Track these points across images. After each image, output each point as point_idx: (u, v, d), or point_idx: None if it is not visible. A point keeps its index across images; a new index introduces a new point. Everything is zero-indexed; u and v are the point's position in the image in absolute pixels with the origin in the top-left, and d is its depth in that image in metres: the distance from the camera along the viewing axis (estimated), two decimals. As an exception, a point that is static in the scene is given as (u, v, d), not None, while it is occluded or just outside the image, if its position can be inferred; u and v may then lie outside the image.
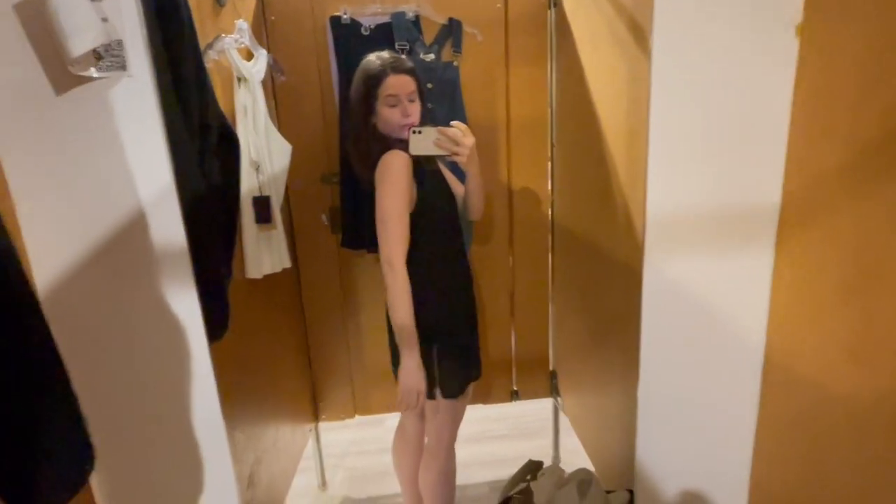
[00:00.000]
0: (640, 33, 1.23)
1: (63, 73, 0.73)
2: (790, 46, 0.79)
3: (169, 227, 0.80)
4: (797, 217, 0.83)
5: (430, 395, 1.65)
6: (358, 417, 2.44)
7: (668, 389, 1.06)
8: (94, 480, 0.86)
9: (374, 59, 1.53)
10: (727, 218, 0.87)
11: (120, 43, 0.73)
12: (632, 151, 1.37)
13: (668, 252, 0.93)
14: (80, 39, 0.66)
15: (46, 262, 0.75)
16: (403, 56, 1.59)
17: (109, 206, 0.79)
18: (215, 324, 1.04)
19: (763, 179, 0.85)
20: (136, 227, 0.79)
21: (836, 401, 0.78)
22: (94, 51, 0.72)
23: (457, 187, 1.70)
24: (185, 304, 0.84)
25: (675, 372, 1.06)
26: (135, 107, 0.76)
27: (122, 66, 0.74)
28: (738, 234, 0.88)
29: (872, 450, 0.76)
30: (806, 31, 0.78)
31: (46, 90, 0.73)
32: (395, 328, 1.49)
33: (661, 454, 1.12)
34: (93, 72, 0.72)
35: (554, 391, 2.46)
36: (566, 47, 1.92)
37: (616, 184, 1.55)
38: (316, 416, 2.39)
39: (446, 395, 1.63)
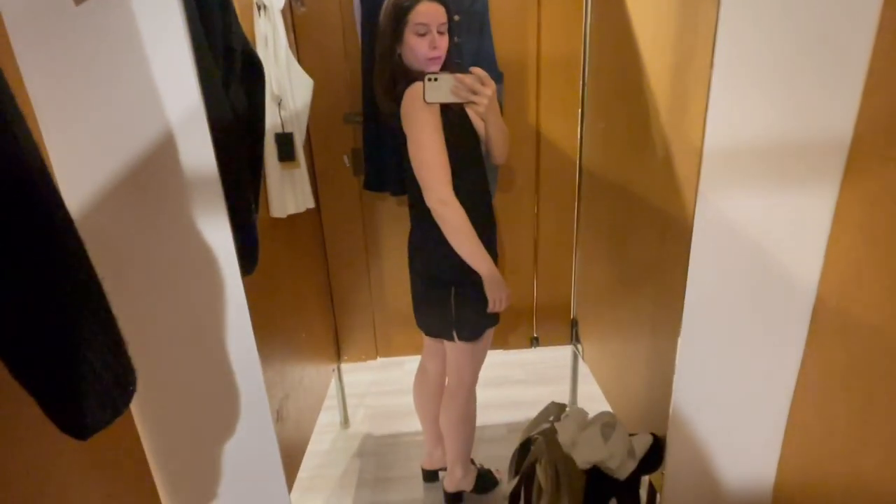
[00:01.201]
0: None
1: (82, -20, 0.68)
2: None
3: (198, 150, 0.77)
4: (871, 150, 0.76)
5: (448, 337, 1.65)
6: (380, 359, 2.48)
7: (710, 335, 1.03)
8: (134, 406, 0.87)
9: None
10: (791, 152, 0.80)
11: (141, -55, 0.67)
12: (677, 86, 1.28)
13: (723, 190, 0.87)
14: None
15: (76, 188, 0.72)
16: None
17: (137, 127, 0.75)
18: (246, 257, 1.02)
19: (836, 108, 0.78)
20: (165, 151, 0.76)
21: (887, 352, 0.75)
22: (115, -47, 0.66)
23: (480, 125, 1.61)
24: (218, 233, 0.82)
25: (720, 317, 1.02)
26: (159, 20, 0.71)
27: (145, -28, 0.68)
28: (800, 170, 0.82)
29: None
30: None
31: (67, 1, 0.68)
32: (468, 259, 1.47)
33: (697, 400, 1.10)
34: (114, -23, 0.66)
35: (574, 339, 2.46)
36: (606, -25, 1.78)
37: (656, 123, 1.46)
38: (339, 357, 2.43)
39: (462, 338, 1.64)
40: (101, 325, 0.60)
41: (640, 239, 1.68)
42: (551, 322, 2.48)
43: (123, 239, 0.78)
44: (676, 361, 1.02)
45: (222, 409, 0.94)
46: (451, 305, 1.59)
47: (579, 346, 2.43)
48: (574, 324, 2.46)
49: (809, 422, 0.98)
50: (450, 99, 1.38)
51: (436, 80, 1.36)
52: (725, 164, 0.83)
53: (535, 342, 2.50)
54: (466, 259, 1.47)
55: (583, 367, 2.40)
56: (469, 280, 1.52)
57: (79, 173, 0.73)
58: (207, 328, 0.87)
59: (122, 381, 0.62)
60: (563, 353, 2.53)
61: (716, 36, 0.74)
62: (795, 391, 0.96)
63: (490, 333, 1.72)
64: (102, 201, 0.75)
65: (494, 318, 1.68)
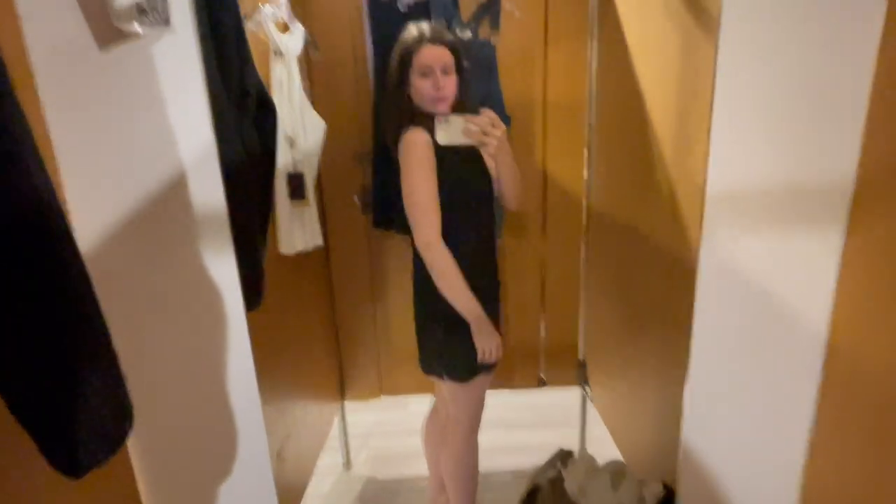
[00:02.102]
0: (697, 4, 1.16)
1: (107, 27, 0.72)
2: (876, 5, 0.72)
3: (209, 189, 0.79)
4: (875, 194, 0.76)
5: (440, 375, 1.63)
6: (384, 398, 2.44)
7: (718, 379, 1.00)
8: (131, 443, 0.86)
9: (414, 28, 1.49)
10: (794, 195, 0.81)
11: (164, -2, 0.71)
12: (683, 129, 1.30)
13: (727, 232, 0.87)
14: (125, -10, 0.65)
15: (87, 221, 0.74)
16: (441, 26, 1.54)
17: (150, 164, 0.77)
18: (251, 292, 1.03)
19: (837, 152, 0.78)
20: (176, 187, 0.78)
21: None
22: (139, 5, 0.70)
23: (492, 166, 1.63)
24: (224, 268, 0.83)
25: (728, 361, 1.00)
26: (177, 64, 0.75)
27: (166, 22, 0.72)
28: (804, 213, 0.82)
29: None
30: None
31: (90, 45, 0.71)
32: (454, 304, 1.47)
33: (707, 449, 1.07)
34: (136, 26, 0.70)
35: (582, 380, 2.41)
36: (609, 23, 1.84)
37: (661, 166, 1.48)
38: (342, 395, 2.40)
39: (452, 378, 1.60)
40: (102, 360, 0.60)
41: (647, 280, 1.67)
42: (559, 363, 2.43)
43: (132, 273, 0.79)
44: (684, 409, 1.00)
45: (220, 447, 0.92)
46: (442, 343, 1.58)
47: (587, 389, 2.38)
48: (582, 365, 2.41)
49: (825, 470, 0.94)
50: (461, 140, 1.40)
51: (447, 121, 1.39)
52: (729, 207, 0.83)
53: (542, 383, 2.45)
54: (453, 304, 1.47)
55: (591, 410, 2.34)
56: (461, 319, 1.50)
57: (93, 208, 0.75)
58: (209, 364, 0.87)
59: (119, 418, 0.61)
60: (572, 394, 2.48)
61: (715, 79, 0.76)
62: (810, 439, 0.93)
63: (485, 379, 1.65)
64: (114, 236, 0.77)
65: (488, 365, 1.63)
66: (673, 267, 1.42)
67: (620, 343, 1.96)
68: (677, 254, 1.36)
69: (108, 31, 0.72)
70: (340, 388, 2.39)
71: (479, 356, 1.52)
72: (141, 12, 0.71)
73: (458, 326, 1.52)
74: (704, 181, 0.83)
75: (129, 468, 0.75)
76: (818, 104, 0.77)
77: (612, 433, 2.09)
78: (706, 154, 0.81)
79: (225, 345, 0.86)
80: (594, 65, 2.01)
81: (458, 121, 1.40)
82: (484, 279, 1.56)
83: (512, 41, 2.01)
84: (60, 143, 0.71)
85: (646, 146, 1.56)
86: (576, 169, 2.18)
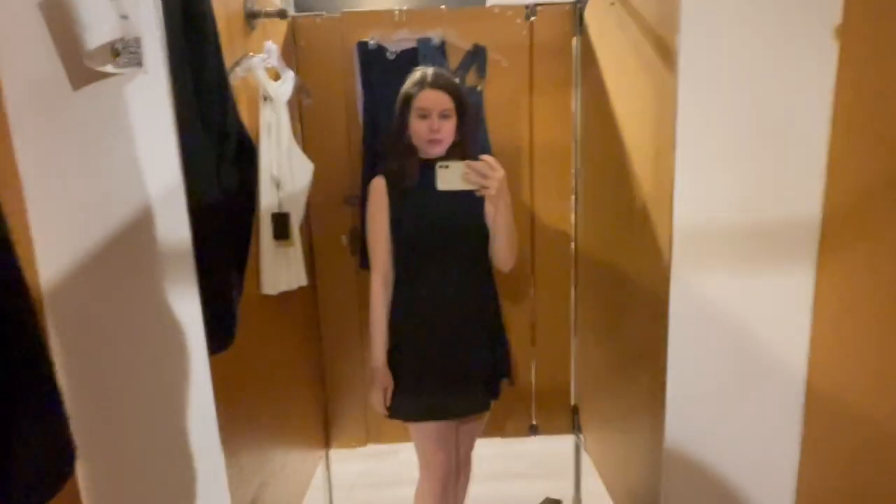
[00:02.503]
0: (667, 52, 1.20)
1: (81, 69, 0.74)
2: (829, 49, 0.74)
3: (175, 227, 0.79)
4: (841, 233, 0.76)
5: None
6: (370, 446, 2.36)
7: (698, 426, 0.97)
8: (85, 488, 0.82)
9: (418, 72, 1.56)
10: (762, 235, 0.80)
11: (138, 40, 0.74)
12: (658, 174, 1.32)
13: (697, 272, 0.87)
14: (97, 32, 0.67)
15: (52, 256, 0.74)
16: (446, 72, 1.61)
17: (117, 202, 0.78)
18: (219, 334, 1.01)
19: (802, 193, 0.79)
20: (142, 225, 0.78)
21: (887, 436, 0.69)
22: (113, 47, 0.72)
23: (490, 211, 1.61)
24: (187, 308, 0.82)
25: (707, 407, 0.97)
26: (148, 104, 0.77)
27: (139, 63, 0.74)
28: (774, 253, 0.81)
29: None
30: (846, 33, 0.73)
31: (64, 85, 0.73)
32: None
33: (690, 499, 1.02)
34: (109, 67, 0.72)
35: (576, 428, 2.33)
36: (591, 73, 1.91)
37: (642, 208, 1.49)
38: (327, 443, 2.32)
39: (392, 415, 1.63)
40: (42, 399, 0.58)
41: (634, 322, 1.64)
42: (551, 409, 2.36)
43: (92, 308, 0.78)
44: (663, 456, 0.95)
45: (177, 492, 0.88)
46: (392, 376, 1.64)
47: (581, 436, 2.30)
48: (575, 411, 2.35)
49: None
50: (461, 186, 1.42)
51: (447, 167, 1.42)
52: (697, 244, 0.83)
53: (534, 430, 2.37)
54: None
55: (586, 458, 2.25)
56: (409, 355, 1.60)
57: (56, 241, 0.75)
58: (167, 404, 0.84)
59: (58, 460, 0.59)
60: (565, 442, 2.39)
61: (676, 122, 0.78)
62: (798, 484, 0.89)
63: (437, 429, 1.63)
64: (78, 269, 0.76)
65: (446, 410, 1.62)
66: (657, 308, 1.40)
67: (612, 388, 1.91)
68: (659, 296, 1.35)
69: (81, 71, 0.74)
70: (325, 435, 2.32)
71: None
72: (115, 54, 0.73)
73: (405, 364, 1.61)
74: (671, 221, 0.83)
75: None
76: (779, 143, 0.78)
77: (605, 482, 2.00)
78: (671, 194, 0.82)
79: (185, 385, 0.83)
80: (578, 112, 2.07)
81: (458, 166, 1.42)
82: (445, 332, 1.61)
83: (499, 89, 2.07)
84: (28, 177, 0.72)
85: (627, 189, 1.57)
86: (563, 213, 2.20)
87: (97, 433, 0.74)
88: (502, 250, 1.60)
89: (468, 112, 1.59)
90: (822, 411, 0.83)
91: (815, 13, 0.76)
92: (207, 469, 0.92)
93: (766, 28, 0.76)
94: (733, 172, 0.82)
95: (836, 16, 0.75)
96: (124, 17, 0.72)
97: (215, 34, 1.07)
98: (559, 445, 2.46)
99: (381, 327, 1.60)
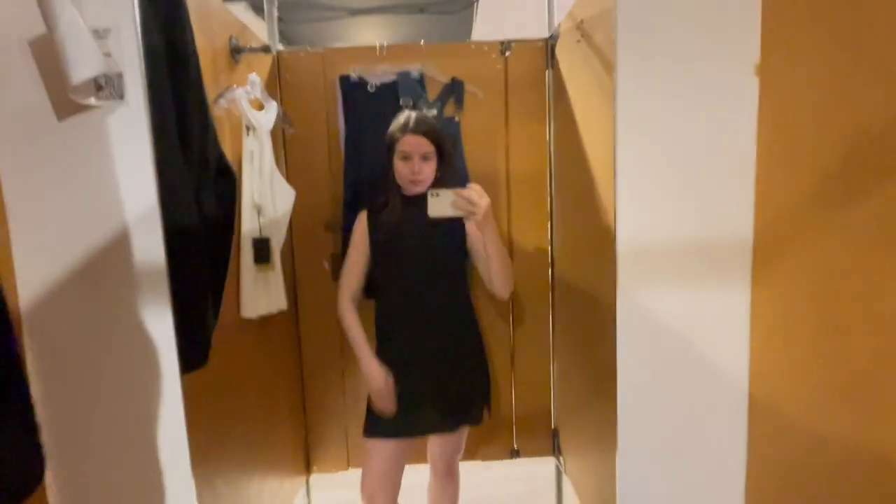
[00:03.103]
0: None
1: (66, 101, 0.80)
2: (750, 85, 0.82)
3: (150, 250, 0.84)
4: (770, 251, 0.82)
5: None
6: (352, 470, 2.35)
7: (648, 440, 1.01)
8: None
9: (402, 117, 1.68)
10: (700, 254, 0.86)
11: (120, 75, 0.80)
12: (609, 196, 1.39)
13: (641, 291, 0.92)
14: (81, 68, 0.73)
15: (31, 275, 0.78)
16: (428, 117, 1.70)
17: (96, 225, 0.82)
18: (192, 354, 1.04)
19: (734, 214, 0.85)
20: (119, 247, 0.83)
21: (826, 441, 0.74)
22: (96, 81, 0.78)
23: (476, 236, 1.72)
24: (160, 327, 0.85)
25: (656, 418, 1.01)
26: (128, 134, 0.82)
27: (120, 96, 0.80)
28: (712, 271, 0.87)
29: (868, 491, 0.70)
30: (764, 71, 0.81)
31: (49, 115, 0.79)
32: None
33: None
34: (92, 100, 0.78)
35: (556, 450, 2.35)
36: (562, 104, 2.00)
37: (605, 231, 1.56)
38: (308, 468, 2.31)
39: (366, 433, 1.74)
40: (18, 413, 0.62)
41: (607, 344, 1.69)
42: (532, 432, 2.38)
43: (68, 326, 0.82)
44: (617, 477, 0.99)
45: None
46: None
47: (561, 459, 2.31)
48: (555, 434, 2.36)
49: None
50: (450, 212, 1.53)
51: (438, 195, 1.52)
52: (639, 264, 0.88)
53: (515, 454, 2.38)
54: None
55: (567, 482, 2.26)
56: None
57: (35, 262, 0.79)
58: (139, 426, 0.87)
59: (26, 470, 0.61)
60: (546, 465, 2.40)
61: (615, 150, 0.85)
62: (746, 494, 0.92)
63: (379, 446, 1.71)
64: (55, 289, 0.80)
65: (411, 428, 1.71)
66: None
67: (589, 410, 1.94)
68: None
69: (66, 103, 0.80)
70: (306, 461, 2.31)
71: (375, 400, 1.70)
72: (98, 88, 0.79)
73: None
74: (614, 242, 0.89)
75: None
76: (711, 170, 0.85)
77: (585, 506, 2.01)
78: (614, 218, 0.88)
79: (157, 403, 0.86)
80: (552, 141, 2.16)
81: (447, 195, 1.52)
82: (402, 340, 1.72)
83: (475, 119, 2.16)
84: (12, 200, 0.77)
85: (594, 215, 1.64)
86: (540, 238, 2.26)
87: (68, 448, 0.77)
88: (497, 275, 1.68)
89: (447, 153, 1.71)
90: (764, 417, 0.87)
91: (737, 53, 0.84)
92: (177, 492, 0.94)
93: (695, 62, 0.84)
94: (670, 198, 0.88)
95: (755, 55, 0.84)
96: (107, 54, 0.78)
97: (197, 67, 1.14)
98: (540, 468, 2.46)
99: (360, 335, 1.73)
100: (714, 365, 0.92)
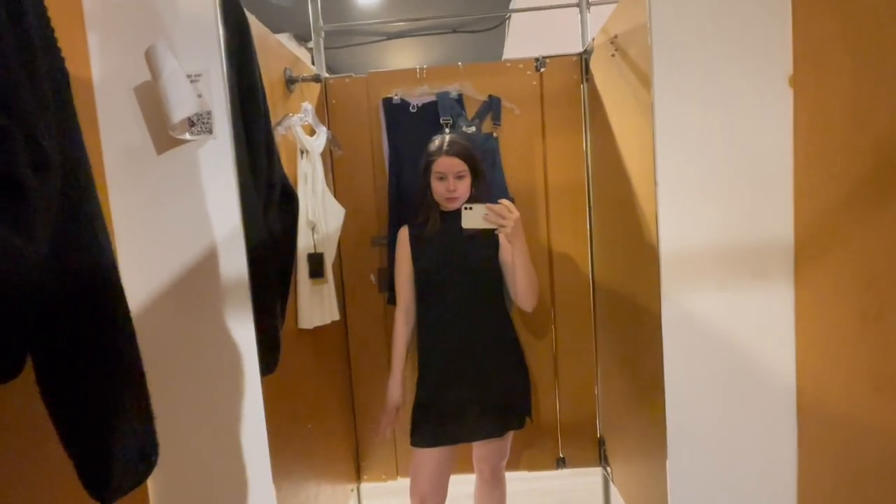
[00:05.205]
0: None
1: (165, 137, 0.92)
2: (785, 95, 0.86)
3: (235, 266, 0.94)
4: (812, 250, 0.85)
5: None
6: (400, 479, 2.41)
7: (699, 444, 1.04)
8: (151, 492, 0.94)
9: (437, 139, 1.78)
10: (743, 256, 0.90)
11: (209, 113, 0.91)
12: (651, 203, 1.43)
13: (686, 294, 0.96)
14: (181, 109, 0.84)
15: (134, 288, 0.89)
16: (460, 138, 1.81)
17: (188, 244, 0.94)
18: (268, 359, 1.14)
19: (774, 217, 0.89)
20: (207, 263, 0.93)
21: (875, 436, 0.75)
22: (189, 119, 0.90)
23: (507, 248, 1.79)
24: (243, 334, 0.95)
25: (706, 422, 1.04)
26: (215, 163, 0.93)
27: (210, 131, 0.91)
28: (755, 274, 0.90)
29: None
30: (797, 82, 0.85)
31: (150, 150, 0.91)
32: None
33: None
34: (187, 135, 0.89)
35: (603, 460, 2.35)
36: (598, 117, 2.05)
37: (647, 239, 1.59)
38: (358, 476, 2.39)
39: (413, 443, 1.83)
40: (139, 404, 0.72)
41: (652, 352, 1.70)
42: (578, 441, 2.39)
43: (164, 334, 0.93)
44: (668, 480, 1.01)
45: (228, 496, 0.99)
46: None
47: (608, 469, 2.31)
48: (601, 443, 2.37)
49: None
50: (482, 225, 1.64)
51: (470, 208, 1.64)
52: (683, 268, 0.92)
53: (561, 463, 2.39)
54: None
55: (615, 491, 2.26)
56: (421, 384, 1.82)
57: (140, 278, 0.90)
58: (224, 417, 0.96)
59: (146, 453, 0.71)
60: (593, 475, 2.40)
61: (655, 159, 0.90)
62: (798, 490, 0.93)
63: (426, 455, 1.79)
64: (154, 301, 0.91)
65: (453, 436, 1.79)
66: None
67: (634, 417, 1.95)
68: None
69: (164, 139, 0.91)
70: (356, 469, 2.39)
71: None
72: (191, 125, 0.90)
73: (418, 392, 1.84)
74: (657, 247, 0.93)
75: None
76: (751, 176, 0.89)
77: (634, 515, 2.01)
78: (655, 225, 0.93)
79: (241, 400, 0.96)
80: (589, 152, 2.21)
81: (479, 208, 1.64)
82: (442, 349, 1.81)
83: (513, 134, 2.23)
84: (119, 224, 0.88)
85: (635, 223, 1.68)
86: (580, 247, 2.30)
87: (163, 443, 0.86)
88: (522, 288, 1.75)
89: (481, 171, 1.82)
90: (813, 416, 0.89)
91: (770, 65, 0.88)
92: (259, 487, 1.03)
93: (731, 77, 0.89)
94: (711, 204, 0.92)
95: (788, 67, 0.88)
96: (199, 95, 0.89)
97: (264, 101, 1.26)
98: (587, 478, 2.46)
99: (401, 351, 1.85)
100: (761, 366, 0.95)
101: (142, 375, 0.71)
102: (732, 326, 0.94)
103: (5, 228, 0.51)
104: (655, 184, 0.92)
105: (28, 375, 0.65)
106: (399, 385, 1.84)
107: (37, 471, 0.74)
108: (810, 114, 0.83)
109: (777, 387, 0.93)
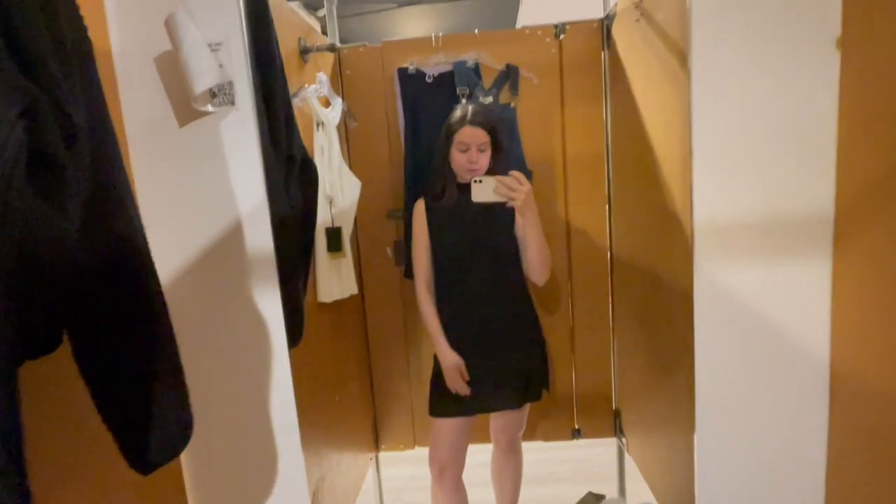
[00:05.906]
0: (685, 65, 1.29)
1: (185, 109, 0.90)
2: (832, 59, 0.82)
3: (261, 238, 0.94)
4: (853, 223, 0.82)
5: None
6: (417, 449, 2.46)
7: (727, 417, 1.03)
8: (184, 462, 0.96)
9: (459, 109, 1.74)
10: (780, 228, 0.87)
11: (231, 84, 0.89)
12: (686, 178, 1.39)
13: (719, 268, 0.94)
14: (203, 80, 0.82)
15: (160, 263, 0.89)
16: (483, 109, 1.78)
17: (214, 217, 0.93)
18: (293, 330, 1.15)
19: (814, 188, 0.86)
20: (234, 236, 0.93)
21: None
22: (210, 90, 0.88)
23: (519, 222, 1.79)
24: (271, 306, 0.96)
25: (735, 397, 1.03)
26: (239, 135, 0.92)
27: (232, 102, 0.90)
28: (793, 245, 0.88)
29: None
30: (846, 45, 0.81)
31: (172, 122, 0.89)
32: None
33: (725, 490, 1.07)
34: (209, 107, 0.88)
35: (618, 431, 2.37)
36: (620, 86, 1.99)
37: (672, 211, 1.56)
38: (377, 446, 2.44)
39: (432, 413, 1.85)
40: (174, 376, 0.72)
41: (670, 324, 1.70)
42: (593, 413, 2.41)
43: (193, 307, 0.93)
44: (696, 449, 1.01)
45: (261, 473, 1.01)
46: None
47: (623, 440, 2.34)
48: (617, 415, 2.38)
49: (845, 498, 0.93)
50: (492, 198, 1.62)
51: (480, 181, 1.62)
52: (718, 242, 0.90)
53: (577, 434, 2.42)
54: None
55: (630, 462, 2.29)
56: (437, 363, 1.81)
57: (164, 252, 0.90)
58: (254, 389, 0.98)
59: (182, 426, 0.72)
60: (608, 445, 2.43)
61: (691, 126, 0.87)
62: (827, 466, 0.93)
63: (447, 424, 1.80)
64: (180, 275, 0.91)
65: (472, 408, 1.80)
66: (689, 309, 1.46)
67: (652, 391, 1.96)
68: (691, 295, 1.41)
69: (186, 111, 0.90)
70: (375, 438, 2.44)
71: (448, 383, 1.78)
72: (213, 96, 0.88)
73: (437, 363, 1.82)
74: (691, 219, 0.91)
75: (181, 477, 0.85)
76: (791, 145, 0.85)
77: (651, 486, 2.03)
78: (690, 194, 0.90)
79: (269, 371, 0.97)
80: (609, 123, 2.15)
81: (490, 181, 1.61)
82: (460, 321, 1.80)
83: (531, 104, 2.18)
84: (143, 196, 0.88)
85: (657, 194, 1.65)
86: (598, 219, 2.27)
87: (196, 415, 0.87)
88: (534, 261, 1.75)
89: (502, 144, 1.78)
90: (845, 390, 0.88)
91: (818, 26, 0.83)
92: (287, 449, 1.05)
93: (774, 41, 0.85)
94: (749, 174, 0.89)
95: (836, 28, 0.83)
96: (220, 65, 0.87)
97: (283, 73, 1.23)
98: (602, 449, 2.50)
99: (435, 322, 1.80)
100: (794, 340, 0.93)
101: (176, 347, 0.72)
102: (765, 299, 0.92)
103: (45, 205, 0.51)
104: (691, 153, 0.89)
105: (64, 350, 0.66)
106: (448, 347, 1.78)
107: (76, 443, 0.76)
108: (858, 78, 0.79)
109: (810, 362, 0.92)
